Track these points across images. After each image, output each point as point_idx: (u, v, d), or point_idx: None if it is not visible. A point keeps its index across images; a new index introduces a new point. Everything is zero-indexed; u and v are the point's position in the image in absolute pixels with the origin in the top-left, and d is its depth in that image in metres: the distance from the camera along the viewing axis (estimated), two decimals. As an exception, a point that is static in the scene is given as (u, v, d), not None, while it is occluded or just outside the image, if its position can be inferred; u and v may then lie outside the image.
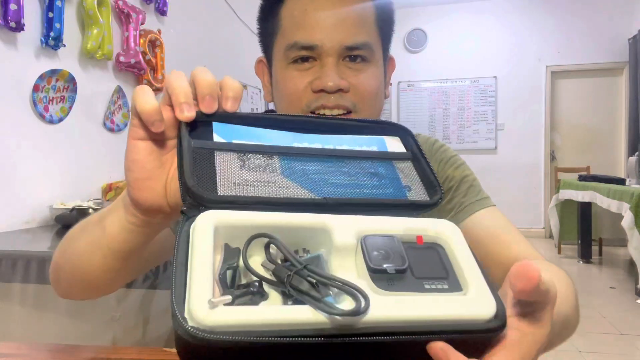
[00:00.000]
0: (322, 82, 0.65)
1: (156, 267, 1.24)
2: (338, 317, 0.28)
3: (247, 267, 0.32)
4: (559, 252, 4.91)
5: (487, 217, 0.70)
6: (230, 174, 0.38)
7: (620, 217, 3.38)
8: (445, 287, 0.33)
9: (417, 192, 0.42)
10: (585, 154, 5.88)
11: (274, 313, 0.28)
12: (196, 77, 0.40)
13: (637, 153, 4.12)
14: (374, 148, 0.44)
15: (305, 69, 0.67)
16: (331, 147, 0.43)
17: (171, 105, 0.40)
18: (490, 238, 0.66)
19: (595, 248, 4.62)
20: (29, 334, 1.44)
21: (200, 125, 0.40)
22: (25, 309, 1.44)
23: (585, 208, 4.38)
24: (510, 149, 6.11)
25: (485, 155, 6.15)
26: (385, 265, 0.32)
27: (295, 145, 0.42)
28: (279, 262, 0.33)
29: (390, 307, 0.30)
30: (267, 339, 0.27)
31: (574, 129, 5.98)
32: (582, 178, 4.47)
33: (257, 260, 0.34)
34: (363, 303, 0.28)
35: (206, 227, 0.32)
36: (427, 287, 0.32)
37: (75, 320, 1.40)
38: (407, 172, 0.43)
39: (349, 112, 0.67)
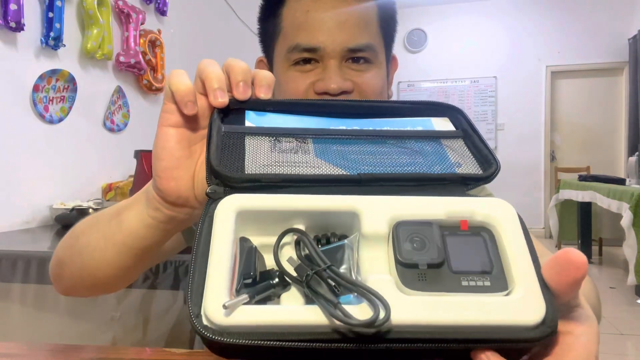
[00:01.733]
0: (325, 85, 0.64)
1: (156, 267, 1.24)
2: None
3: (277, 263, 0.30)
4: (559, 252, 4.91)
5: None
6: (259, 156, 0.36)
7: (620, 217, 3.38)
8: (487, 284, 0.28)
9: (469, 167, 0.37)
10: (585, 154, 5.88)
11: (289, 314, 0.27)
12: (230, 65, 0.40)
13: (637, 153, 4.12)
14: (420, 128, 0.41)
15: (307, 70, 0.66)
16: (371, 129, 0.40)
17: (204, 94, 0.40)
18: None
19: (595, 248, 4.62)
20: (29, 334, 1.44)
21: (232, 113, 0.40)
22: (25, 309, 1.44)
23: (585, 208, 4.38)
24: (510, 149, 6.11)
25: (485, 155, 6.15)
26: (416, 259, 0.29)
27: (332, 128, 0.40)
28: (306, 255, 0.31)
29: (416, 311, 0.26)
30: (279, 342, 0.26)
31: (574, 129, 5.98)
32: (582, 178, 4.47)
33: (283, 250, 0.32)
34: (382, 314, 0.25)
35: (228, 213, 0.31)
36: (464, 284, 0.28)
37: (75, 320, 1.40)
38: (457, 150, 0.39)
39: None
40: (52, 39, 1.89)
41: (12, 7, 1.70)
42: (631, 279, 3.18)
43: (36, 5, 1.88)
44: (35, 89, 1.87)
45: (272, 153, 0.36)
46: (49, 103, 1.94)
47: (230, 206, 0.31)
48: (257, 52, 0.79)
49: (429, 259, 0.29)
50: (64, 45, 1.97)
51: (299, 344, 0.26)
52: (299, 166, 0.35)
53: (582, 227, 4.44)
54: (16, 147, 1.79)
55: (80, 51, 2.12)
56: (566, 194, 4.49)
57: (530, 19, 5.98)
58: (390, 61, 0.75)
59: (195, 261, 0.29)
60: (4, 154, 1.74)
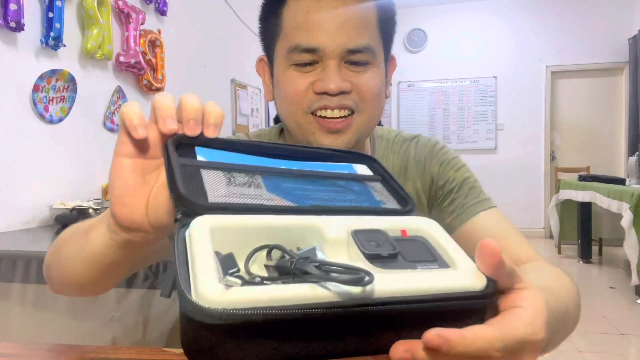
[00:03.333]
0: (324, 85, 0.65)
1: (156, 267, 1.24)
2: (347, 288, 0.29)
3: (248, 273, 0.32)
4: (559, 252, 4.91)
5: (488, 218, 0.71)
6: (218, 188, 0.39)
7: (620, 217, 3.39)
8: (436, 267, 0.35)
9: (391, 204, 0.45)
10: (585, 154, 5.88)
11: (286, 290, 0.29)
12: (182, 102, 0.42)
13: (637, 153, 4.12)
14: (346, 172, 0.48)
15: (306, 71, 0.67)
16: (304, 169, 0.46)
17: (156, 122, 0.43)
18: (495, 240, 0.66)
19: (595, 248, 4.62)
20: (29, 334, 1.44)
21: (184, 147, 0.42)
22: (25, 309, 1.44)
23: (585, 208, 4.38)
24: (510, 149, 6.11)
25: (485, 155, 6.15)
26: (379, 251, 0.35)
27: (275, 167, 0.45)
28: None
29: (392, 281, 0.31)
30: (288, 312, 0.28)
31: (574, 129, 5.98)
32: (582, 178, 4.48)
33: (253, 267, 0.35)
34: (367, 277, 0.29)
35: (203, 229, 0.33)
36: (419, 267, 0.34)
37: (75, 320, 1.40)
38: (379, 190, 0.47)
39: (352, 112, 0.67)
40: (52, 39, 1.89)
41: (12, 7, 1.70)
42: (634, 278, 3.18)
43: (36, 5, 1.88)
44: (35, 89, 1.87)
45: (229, 186, 0.40)
46: (49, 103, 1.94)
47: (204, 224, 0.34)
48: (257, 52, 0.79)
49: (388, 251, 0.35)
50: (64, 45, 1.97)
51: (302, 311, 0.28)
52: (256, 198, 0.39)
53: (582, 227, 4.45)
54: (16, 147, 1.79)
55: (80, 51, 2.12)
56: (566, 194, 4.49)
57: (530, 19, 5.98)
58: (389, 61, 0.75)
59: (179, 268, 0.30)
60: (4, 154, 1.74)
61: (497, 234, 0.69)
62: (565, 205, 4.61)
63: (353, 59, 0.66)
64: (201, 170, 0.40)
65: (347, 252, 0.35)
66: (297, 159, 0.47)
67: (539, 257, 0.66)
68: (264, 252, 0.34)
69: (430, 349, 0.28)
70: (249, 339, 0.28)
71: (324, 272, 0.30)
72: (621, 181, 3.99)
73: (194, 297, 0.28)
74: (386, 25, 0.71)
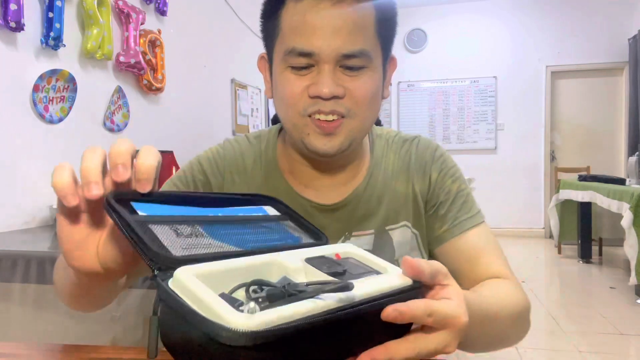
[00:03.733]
0: (317, 89, 0.66)
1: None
2: (337, 295, 0.36)
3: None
4: (559, 252, 4.91)
5: (476, 237, 0.77)
6: (173, 241, 0.42)
7: (620, 217, 3.39)
8: (375, 275, 0.44)
9: (307, 239, 0.53)
10: (585, 154, 5.88)
11: (297, 307, 0.34)
12: (111, 153, 0.43)
13: (637, 153, 4.12)
14: (261, 214, 0.55)
15: (302, 74, 0.68)
16: (230, 215, 0.53)
17: None
18: (475, 258, 0.75)
19: (595, 248, 4.62)
20: (29, 334, 1.44)
21: (122, 202, 0.44)
22: (25, 309, 1.44)
23: (585, 208, 4.38)
24: (510, 149, 6.11)
25: (485, 155, 6.15)
26: (335, 269, 0.43)
27: (205, 215, 0.50)
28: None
29: (360, 288, 0.39)
30: (311, 320, 0.34)
31: (574, 129, 5.98)
32: (582, 178, 4.47)
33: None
34: (349, 284, 0.36)
35: (190, 277, 0.37)
36: (364, 277, 0.43)
37: (75, 320, 1.40)
38: (292, 227, 0.55)
39: (343, 117, 0.69)
40: (52, 39, 1.89)
41: (12, 7, 1.70)
42: (633, 279, 3.18)
43: (36, 5, 1.88)
44: (35, 89, 1.87)
45: (179, 238, 0.43)
46: (49, 103, 1.94)
47: (188, 273, 0.37)
48: (257, 51, 0.79)
49: (340, 269, 0.44)
50: (64, 45, 1.97)
51: (318, 319, 0.34)
52: (209, 247, 0.43)
53: (582, 227, 4.45)
54: (16, 147, 1.80)
55: (80, 51, 2.12)
56: (566, 194, 4.49)
57: (530, 19, 5.98)
58: (389, 62, 0.75)
59: (186, 313, 0.34)
60: (4, 154, 1.74)
61: (481, 251, 0.75)
62: (565, 205, 4.61)
63: (348, 63, 0.67)
64: (149, 224, 0.42)
65: (305, 276, 0.42)
66: (214, 205, 0.52)
67: (509, 275, 0.73)
68: (242, 290, 0.39)
69: None
70: (279, 352, 0.33)
71: (314, 289, 0.36)
72: (621, 181, 3.99)
73: (232, 325, 0.31)
74: (385, 27, 0.71)
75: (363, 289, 0.39)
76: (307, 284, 0.38)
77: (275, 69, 0.71)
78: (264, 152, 0.81)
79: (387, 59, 0.74)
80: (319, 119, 0.68)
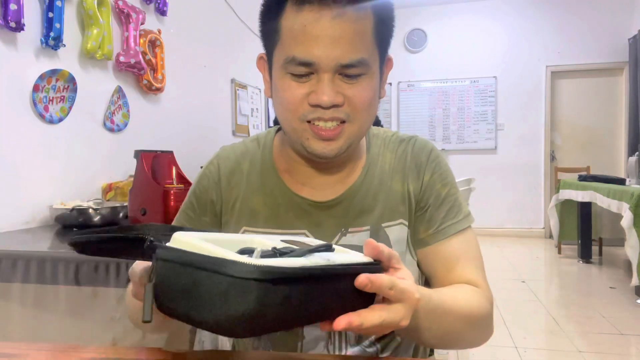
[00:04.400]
0: (317, 98, 0.68)
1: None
2: (325, 254, 0.45)
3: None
4: (559, 252, 4.91)
5: (458, 244, 0.79)
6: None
7: (620, 217, 3.38)
8: (344, 253, 0.51)
9: None
10: (585, 154, 5.88)
11: (292, 261, 0.40)
12: None
13: (637, 153, 4.12)
14: None
15: (302, 81, 0.69)
16: None
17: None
18: (451, 265, 0.78)
19: (595, 248, 4.62)
20: (29, 334, 1.44)
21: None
22: (25, 309, 1.44)
23: (585, 208, 4.38)
24: (510, 149, 6.11)
25: (485, 155, 6.15)
26: (307, 249, 0.49)
27: None
28: None
29: (337, 258, 0.47)
30: (305, 269, 0.40)
31: (574, 129, 5.98)
32: (582, 178, 4.47)
33: None
34: (332, 245, 0.47)
35: (189, 235, 0.41)
36: (338, 253, 0.51)
37: (75, 320, 1.40)
38: None
39: (343, 122, 0.71)
40: (52, 39, 1.89)
41: (12, 7, 1.70)
42: (635, 279, 3.18)
43: (36, 5, 1.88)
44: (35, 89, 1.87)
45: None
46: (49, 103, 1.94)
47: (186, 234, 0.42)
48: (257, 52, 0.80)
49: (314, 247, 0.49)
50: (64, 45, 1.97)
51: (315, 269, 0.42)
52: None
53: (582, 227, 4.45)
54: (16, 147, 1.79)
55: (80, 51, 2.12)
56: (566, 194, 4.49)
57: (530, 19, 5.98)
58: (385, 63, 0.76)
59: (195, 258, 0.39)
60: (4, 154, 1.74)
61: (459, 258, 0.77)
62: (565, 205, 4.61)
63: (347, 72, 0.68)
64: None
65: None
66: None
67: (482, 284, 0.76)
68: None
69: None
70: (279, 292, 0.38)
71: (302, 250, 0.44)
72: (621, 181, 3.99)
73: (245, 261, 0.37)
74: (383, 31, 0.71)
75: (340, 258, 0.46)
76: (300, 246, 0.46)
77: (275, 73, 0.72)
78: (260, 154, 0.84)
79: (384, 60, 0.75)
80: (319, 126, 0.70)
